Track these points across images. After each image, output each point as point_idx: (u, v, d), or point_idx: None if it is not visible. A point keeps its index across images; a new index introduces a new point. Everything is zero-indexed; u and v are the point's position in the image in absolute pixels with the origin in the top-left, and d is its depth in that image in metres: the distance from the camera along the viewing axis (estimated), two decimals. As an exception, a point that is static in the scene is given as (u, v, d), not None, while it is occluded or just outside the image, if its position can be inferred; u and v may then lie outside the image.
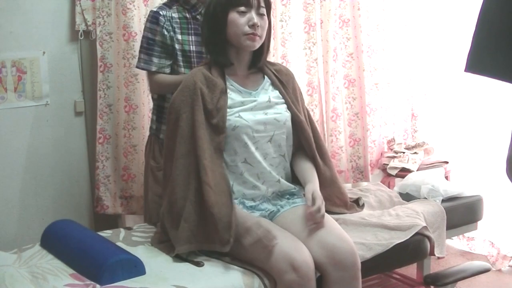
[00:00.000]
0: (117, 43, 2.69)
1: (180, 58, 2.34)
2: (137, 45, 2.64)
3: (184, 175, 1.97)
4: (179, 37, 2.33)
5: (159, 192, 2.34)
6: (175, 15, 2.34)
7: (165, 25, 2.30)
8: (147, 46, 2.32)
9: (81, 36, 2.71)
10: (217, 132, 1.99)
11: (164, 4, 2.39)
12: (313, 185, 2.04)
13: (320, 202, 1.96)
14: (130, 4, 2.64)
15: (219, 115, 1.99)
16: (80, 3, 2.68)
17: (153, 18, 2.32)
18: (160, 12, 2.32)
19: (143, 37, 2.35)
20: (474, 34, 1.00)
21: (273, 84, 2.15)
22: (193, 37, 2.35)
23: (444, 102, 3.53)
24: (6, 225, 2.66)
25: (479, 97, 3.34)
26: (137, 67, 2.41)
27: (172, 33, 2.32)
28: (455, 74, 3.35)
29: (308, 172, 2.12)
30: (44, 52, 2.66)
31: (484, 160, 3.31)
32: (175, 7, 2.36)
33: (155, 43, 2.31)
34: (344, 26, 3.21)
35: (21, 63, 2.62)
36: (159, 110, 2.44)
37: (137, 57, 2.44)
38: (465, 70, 1.02)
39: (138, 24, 2.66)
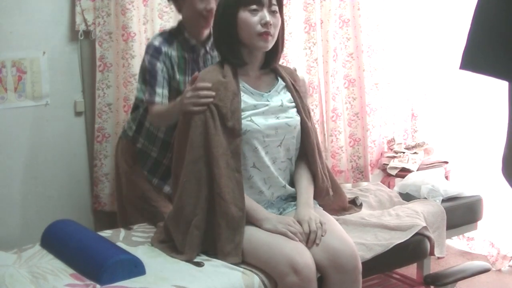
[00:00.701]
0: (116, 43, 2.69)
1: (174, 97, 2.25)
2: (135, 45, 2.65)
3: (193, 181, 1.94)
4: (177, 76, 2.28)
5: (136, 194, 2.38)
6: (174, 53, 2.27)
7: (166, 63, 2.24)
8: (150, 79, 2.23)
9: (81, 36, 2.71)
10: (234, 136, 1.94)
11: (164, 38, 2.29)
12: (301, 209, 1.98)
13: (314, 225, 1.90)
14: (129, 4, 2.64)
15: (234, 117, 1.94)
16: (80, 3, 2.67)
17: (155, 52, 2.24)
18: (162, 48, 2.24)
19: (144, 69, 2.26)
20: (469, 31, 0.99)
21: (287, 86, 2.10)
22: (189, 77, 2.25)
23: (444, 102, 3.53)
24: (6, 225, 2.66)
25: (479, 97, 3.34)
26: (138, 97, 2.29)
27: (170, 71, 2.26)
28: (455, 74, 3.35)
29: (303, 188, 2.06)
30: (44, 52, 2.66)
31: (484, 160, 3.31)
32: (175, 44, 2.28)
33: (157, 74, 2.22)
34: (344, 26, 3.21)
35: (21, 63, 2.62)
36: (139, 125, 2.41)
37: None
38: (460, 68, 1.01)
39: (137, 24, 2.66)
